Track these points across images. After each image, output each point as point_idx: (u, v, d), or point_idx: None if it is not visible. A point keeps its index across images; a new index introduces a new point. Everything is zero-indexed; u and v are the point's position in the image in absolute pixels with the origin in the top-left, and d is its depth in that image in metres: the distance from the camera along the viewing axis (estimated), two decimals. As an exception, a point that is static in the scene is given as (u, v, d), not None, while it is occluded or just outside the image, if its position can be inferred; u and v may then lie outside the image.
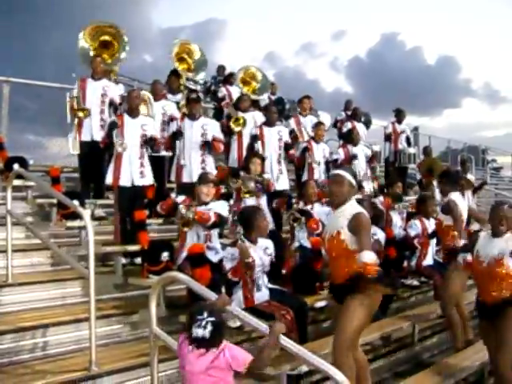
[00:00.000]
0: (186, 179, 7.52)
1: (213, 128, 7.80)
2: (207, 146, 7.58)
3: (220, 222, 5.89)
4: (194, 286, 3.93)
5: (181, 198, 6.04)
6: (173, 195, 7.58)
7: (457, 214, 5.99)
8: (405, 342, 6.62)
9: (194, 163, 7.55)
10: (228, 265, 5.52)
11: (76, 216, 6.60)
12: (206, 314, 3.06)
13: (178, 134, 7.55)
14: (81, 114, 7.85)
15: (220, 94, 11.46)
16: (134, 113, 6.97)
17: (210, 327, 3.04)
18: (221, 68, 13.31)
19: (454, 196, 6.12)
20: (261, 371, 3.19)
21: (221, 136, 7.90)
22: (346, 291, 4.31)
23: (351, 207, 4.37)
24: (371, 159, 9.94)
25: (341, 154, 9.67)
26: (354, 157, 9.50)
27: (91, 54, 8.48)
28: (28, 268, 6.21)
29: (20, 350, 4.79)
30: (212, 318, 3.06)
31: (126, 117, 6.93)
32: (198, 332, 3.04)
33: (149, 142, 6.88)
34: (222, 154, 9.47)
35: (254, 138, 8.47)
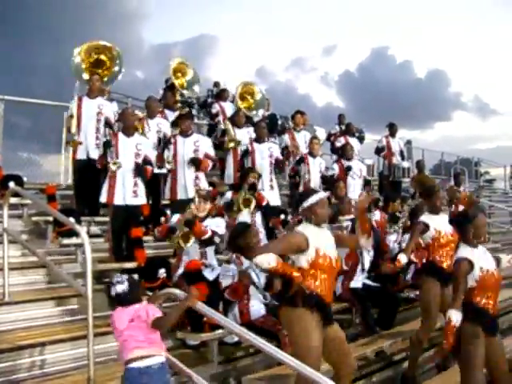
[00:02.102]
0: (181, 196, 7.56)
1: (205, 144, 7.86)
2: (194, 163, 7.64)
3: (215, 239, 5.92)
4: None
5: (175, 218, 6.09)
6: (168, 212, 7.64)
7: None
8: (401, 356, 6.62)
9: (188, 180, 7.58)
10: (224, 282, 5.55)
11: (72, 233, 6.63)
12: (120, 275, 3.89)
13: (167, 143, 7.72)
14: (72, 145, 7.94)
15: (213, 111, 11.49)
16: (128, 131, 6.99)
17: (126, 283, 3.76)
18: (216, 84, 13.43)
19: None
20: (162, 328, 3.83)
21: (212, 153, 7.97)
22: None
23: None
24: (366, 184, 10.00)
25: (336, 169, 9.72)
26: (349, 168, 9.54)
27: (84, 71, 8.50)
28: (24, 286, 6.21)
29: (18, 369, 4.79)
30: (127, 277, 3.84)
31: (121, 136, 6.96)
32: (118, 288, 3.75)
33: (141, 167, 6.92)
34: (214, 170, 9.53)
35: (245, 154, 8.52)
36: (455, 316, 4.61)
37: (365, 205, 4.77)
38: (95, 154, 7.68)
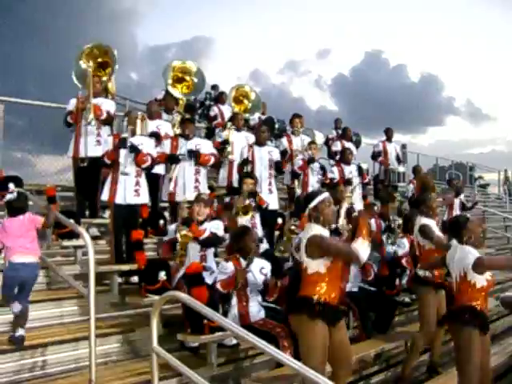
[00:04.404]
0: (179, 198, 7.58)
1: (206, 146, 7.92)
2: (194, 157, 7.67)
3: (214, 240, 5.98)
4: (195, 305, 3.99)
5: (172, 228, 6.20)
6: (166, 214, 7.68)
7: (434, 236, 5.97)
8: (397, 359, 6.69)
9: (187, 182, 7.61)
10: (219, 277, 5.62)
11: (72, 235, 6.68)
12: (13, 186, 5.66)
13: (174, 159, 7.65)
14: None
15: (212, 113, 11.50)
16: (131, 132, 7.02)
17: (15, 193, 5.15)
18: (214, 86, 13.46)
19: (424, 220, 6.09)
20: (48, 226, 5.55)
21: (214, 152, 8.05)
22: (341, 313, 4.56)
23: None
24: (362, 175, 10.00)
25: (335, 174, 9.77)
26: (349, 182, 9.56)
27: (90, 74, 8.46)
28: (25, 287, 6.24)
29: (19, 370, 4.84)
30: (17, 189, 5.30)
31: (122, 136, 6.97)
32: (9, 197, 5.10)
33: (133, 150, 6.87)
34: (213, 169, 9.56)
35: (246, 162, 8.51)
36: None
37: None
38: (95, 152, 7.69)
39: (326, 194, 4.62)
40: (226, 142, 8.92)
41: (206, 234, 5.88)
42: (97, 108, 7.90)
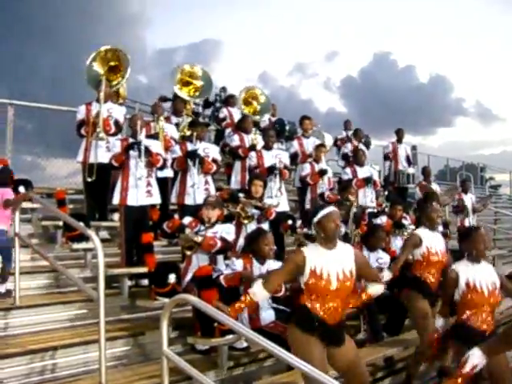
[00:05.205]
0: (188, 201, 7.54)
1: (213, 151, 7.91)
2: (199, 163, 7.57)
3: (225, 247, 5.94)
4: (206, 308, 3.96)
5: (187, 220, 6.10)
6: (176, 216, 7.66)
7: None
8: (409, 362, 6.61)
9: (198, 185, 7.57)
10: (226, 271, 5.59)
11: (82, 238, 6.67)
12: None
13: (191, 154, 7.56)
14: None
15: (221, 115, 11.47)
16: (137, 136, 6.98)
17: None
18: (223, 88, 13.49)
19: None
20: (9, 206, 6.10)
21: (219, 159, 8.03)
22: (342, 331, 4.33)
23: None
24: (374, 183, 9.92)
25: (349, 174, 9.76)
26: (368, 180, 9.58)
27: (102, 78, 8.40)
28: (35, 290, 6.28)
29: (29, 373, 4.84)
30: None
31: (131, 140, 6.95)
32: None
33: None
34: (220, 174, 9.51)
35: (255, 167, 8.47)
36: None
37: None
38: (104, 158, 7.65)
39: (329, 209, 4.32)
40: (252, 148, 8.89)
41: (218, 246, 5.83)
42: (106, 123, 7.91)
